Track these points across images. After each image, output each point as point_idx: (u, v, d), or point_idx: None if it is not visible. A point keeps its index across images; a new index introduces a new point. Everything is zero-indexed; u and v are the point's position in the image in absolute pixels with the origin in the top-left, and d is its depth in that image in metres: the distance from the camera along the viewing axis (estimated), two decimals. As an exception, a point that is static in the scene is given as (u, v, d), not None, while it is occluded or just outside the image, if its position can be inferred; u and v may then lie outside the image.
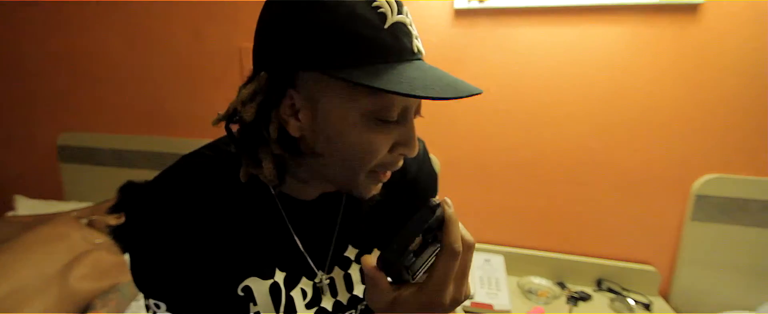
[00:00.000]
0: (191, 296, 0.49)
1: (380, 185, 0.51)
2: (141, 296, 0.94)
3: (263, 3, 0.46)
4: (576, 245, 1.36)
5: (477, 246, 1.39)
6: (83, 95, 1.69)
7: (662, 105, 1.20)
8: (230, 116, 0.47)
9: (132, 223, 0.49)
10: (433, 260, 0.41)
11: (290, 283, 0.55)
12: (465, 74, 1.31)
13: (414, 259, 0.40)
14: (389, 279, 0.42)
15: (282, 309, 0.54)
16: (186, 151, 0.54)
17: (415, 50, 0.43)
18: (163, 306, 0.49)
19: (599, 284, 1.32)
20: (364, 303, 0.62)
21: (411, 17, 0.44)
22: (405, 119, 0.45)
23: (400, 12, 0.42)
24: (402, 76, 0.40)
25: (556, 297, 1.25)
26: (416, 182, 0.65)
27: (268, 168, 0.46)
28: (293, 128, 0.45)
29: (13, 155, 1.81)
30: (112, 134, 1.69)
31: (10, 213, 1.57)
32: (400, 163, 0.49)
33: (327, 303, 0.58)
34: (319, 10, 0.39)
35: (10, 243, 1.17)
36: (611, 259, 1.33)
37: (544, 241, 1.39)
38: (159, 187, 0.50)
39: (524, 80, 1.28)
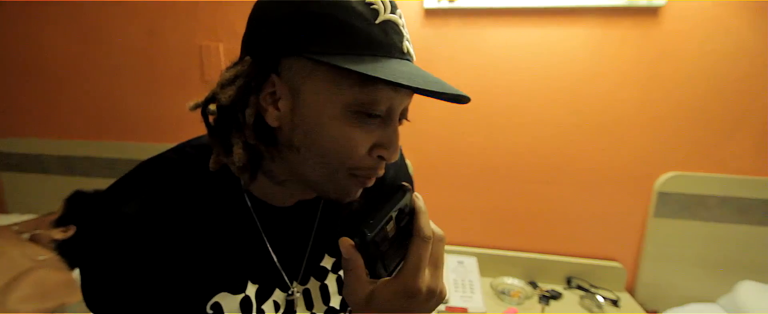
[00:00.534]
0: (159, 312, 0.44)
1: (360, 190, 0.48)
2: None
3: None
4: (546, 244, 1.38)
5: (450, 248, 1.39)
6: (26, 97, 1.55)
7: (625, 105, 1.23)
8: (208, 101, 0.45)
9: (84, 235, 0.44)
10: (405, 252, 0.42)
11: (262, 296, 0.52)
12: (436, 74, 1.30)
13: (388, 249, 0.41)
14: (367, 272, 0.41)
15: None
16: (142, 157, 0.49)
17: (405, 50, 0.42)
18: None
19: (569, 282, 1.34)
20: None
21: (404, 20, 0.43)
22: (389, 119, 0.43)
23: (393, 12, 0.41)
24: (388, 69, 0.38)
25: (528, 297, 1.25)
26: (394, 187, 0.63)
27: (238, 153, 0.43)
28: (271, 117, 0.43)
29: (-57, 164, 1.64)
30: (59, 139, 1.56)
31: (-60, 229, 1.42)
32: (382, 170, 0.46)
33: None
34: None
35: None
36: (580, 257, 1.35)
37: (516, 241, 1.39)
38: (117, 194, 0.44)
39: (493, 81, 1.28)
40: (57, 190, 1.39)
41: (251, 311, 0.50)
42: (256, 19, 0.43)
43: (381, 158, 0.44)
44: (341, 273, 0.58)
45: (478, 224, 1.41)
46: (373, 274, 0.41)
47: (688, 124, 1.21)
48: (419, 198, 0.43)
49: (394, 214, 0.41)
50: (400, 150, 0.66)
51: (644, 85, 1.21)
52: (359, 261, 0.40)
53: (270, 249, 0.52)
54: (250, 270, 0.51)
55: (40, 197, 1.59)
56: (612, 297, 1.25)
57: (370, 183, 0.47)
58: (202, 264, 0.46)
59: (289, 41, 0.40)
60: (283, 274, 0.54)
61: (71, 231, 1.25)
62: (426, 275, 0.40)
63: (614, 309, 1.22)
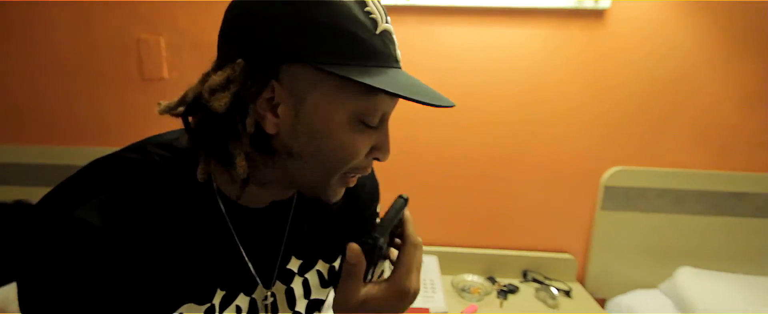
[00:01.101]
0: None
1: (343, 189, 0.49)
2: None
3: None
4: (503, 240, 1.41)
5: (411, 248, 1.38)
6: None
7: (573, 104, 1.29)
8: (189, 106, 0.42)
9: (25, 242, 0.38)
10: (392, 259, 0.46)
11: (226, 302, 0.50)
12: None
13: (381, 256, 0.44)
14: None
15: None
16: (72, 163, 0.44)
17: (398, 59, 0.44)
18: None
19: (525, 275, 1.38)
20: None
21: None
22: (382, 123, 0.45)
23: (387, 21, 0.42)
24: (391, 80, 0.40)
25: (487, 293, 1.27)
26: (362, 189, 0.64)
27: (241, 166, 0.41)
28: (269, 124, 0.41)
29: None
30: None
31: None
32: (370, 169, 0.49)
33: None
34: (318, 4, 0.37)
35: None
36: (535, 251, 1.40)
37: (475, 238, 1.41)
38: (67, 195, 0.39)
39: (448, 80, 1.29)
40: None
41: None
42: (250, 19, 0.39)
43: (376, 159, 0.47)
44: (308, 275, 0.58)
45: (438, 223, 1.41)
46: (363, 278, 0.44)
47: (630, 121, 1.28)
48: (407, 212, 0.48)
49: (397, 222, 0.45)
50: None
51: (591, 84, 1.27)
52: (363, 265, 0.42)
53: (244, 254, 0.50)
54: (219, 277, 0.48)
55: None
56: (565, 288, 1.30)
57: (353, 183, 0.48)
58: (168, 275, 0.42)
59: (295, 48, 0.38)
60: (257, 277, 0.52)
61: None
62: (414, 278, 0.44)
63: (567, 299, 1.27)
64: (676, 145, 1.29)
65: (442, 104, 0.43)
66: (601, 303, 1.36)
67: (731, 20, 1.19)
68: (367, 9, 0.40)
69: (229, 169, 0.42)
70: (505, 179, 1.36)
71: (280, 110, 0.40)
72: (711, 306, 1.10)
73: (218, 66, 0.41)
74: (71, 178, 0.42)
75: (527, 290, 1.32)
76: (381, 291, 0.43)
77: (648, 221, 1.32)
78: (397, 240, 0.48)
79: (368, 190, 0.67)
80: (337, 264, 0.62)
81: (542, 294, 1.27)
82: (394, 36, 0.43)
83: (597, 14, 1.21)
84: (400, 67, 0.44)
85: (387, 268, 0.50)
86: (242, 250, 0.50)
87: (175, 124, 0.55)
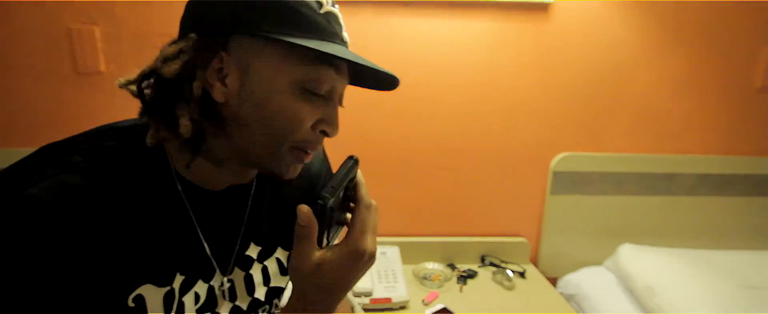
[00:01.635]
0: (74, 305, 0.40)
1: (300, 167, 0.50)
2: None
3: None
4: (461, 227, 1.45)
5: (373, 240, 1.39)
6: None
7: (522, 93, 1.34)
8: (144, 76, 0.45)
9: (11, 216, 0.37)
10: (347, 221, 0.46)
11: (185, 287, 0.50)
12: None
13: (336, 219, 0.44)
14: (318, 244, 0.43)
15: None
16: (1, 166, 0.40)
17: (345, 39, 0.47)
18: None
19: (483, 260, 1.43)
20: (266, 306, 0.60)
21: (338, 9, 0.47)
22: (331, 99, 0.47)
23: (333, 5, 0.45)
24: (334, 49, 0.42)
25: (447, 279, 1.31)
26: (318, 178, 0.67)
27: (185, 125, 0.42)
28: (218, 93, 0.43)
29: None
30: None
31: None
32: (320, 145, 0.50)
33: (224, 308, 0.54)
34: None
35: None
36: (491, 236, 1.45)
37: (434, 227, 1.44)
38: (17, 175, 0.40)
39: (403, 71, 1.27)
40: None
41: (173, 303, 0.48)
42: None
43: (323, 133, 0.48)
44: (267, 263, 0.59)
45: (397, 214, 1.43)
46: (318, 243, 0.43)
47: (575, 109, 1.35)
48: (358, 172, 0.47)
49: (350, 184, 0.44)
50: (324, 150, 0.72)
51: (538, 74, 1.32)
52: (315, 229, 0.41)
53: (202, 237, 0.51)
54: (179, 260, 0.49)
55: None
56: (519, 269, 1.36)
57: (308, 159, 0.49)
58: (125, 254, 0.43)
59: (241, 21, 0.42)
60: (215, 264, 0.53)
61: None
62: (369, 239, 0.43)
63: (522, 280, 1.34)
64: (616, 131, 1.38)
65: (384, 71, 0.45)
66: (553, 281, 1.44)
67: (663, 14, 1.28)
68: None
69: (175, 133, 0.43)
70: (461, 168, 1.39)
71: (228, 80, 0.43)
72: (649, 278, 1.20)
73: (175, 41, 0.44)
74: (22, 160, 0.42)
75: (485, 274, 1.37)
76: (335, 254, 0.42)
77: (593, 203, 1.41)
78: (352, 204, 0.47)
79: (325, 177, 0.68)
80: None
81: (499, 276, 1.33)
82: (341, 20, 0.47)
83: (542, 7, 1.26)
84: (347, 44, 0.47)
85: None
86: (200, 234, 0.51)
87: (118, 119, 0.52)
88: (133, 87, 0.45)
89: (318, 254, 0.42)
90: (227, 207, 0.54)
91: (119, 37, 1.18)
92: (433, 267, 1.38)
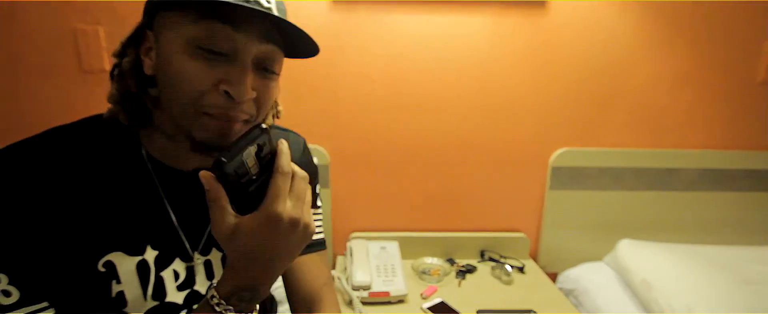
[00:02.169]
0: (38, 267, 0.45)
1: (228, 135, 0.48)
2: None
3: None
4: (460, 222, 1.46)
5: (373, 234, 1.41)
6: None
7: (520, 89, 1.34)
8: (114, 66, 0.52)
9: None
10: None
11: (161, 263, 0.53)
12: (346, 62, 1.29)
13: (255, 188, 0.43)
14: (234, 209, 0.43)
15: (150, 290, 0.52)
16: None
17: (254, 2, 0.46)
18: (3, 279, 0.43)
19: (482, 255, 1.44)
20: None
21: None
22: (235, 59, 0.46)
23: None
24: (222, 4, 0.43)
25: (446, 274, 1.32)
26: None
27: (111, 92, 0.50)
28: (147, 66, 0.49)
29: None
30: None
31: None
32: (235, 112, 0.47)
33: (201, 286, 0.57)
34: None
35: None
36: (491, 231, 1.46)
37: (433, 222, 1.46)
38: (5, 149, 0.47)
39: (401, 68, 1.31)
40: None
41: (149, 275, 0.52)
42: None
43: (228, 94, 0.46)
44: None
45: (398, 209, 1.44)
46: (241, 211, 0.43)
47: (573, 104, 1.36)
48: (284, 143, 0.45)
49: (253, 149, 0.43)
50: (304, 142, 0.74)
51: (536, 70, 1.32)
52: (221, 192, 0.42)
53: (172, 215, 0.54)
54: (149, 234, 0.52)
55: None
56: (518, 265, 1.37)
57: (235, 127, 0.48)
58: (95, 221, 0.48)
59: (158, 1, 0.47)
60: (185, 243, 0.55)
61: None
62: (287, 205, 0.43)
63: (521, 275, 1.34)
64: (614, 126, 1.38)
65: (258, 8, 0.43)
66: (552, 277, 1.45)
67: (662, 7, 1.27)
68: None
69: (115, 104, 0.50)
70: (461, 164, 1.40)
71: (152, 54, 0.48)
72: (649, 274, 1.20)
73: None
74: (23, 139, 0.49)
75: (484, 269, 1.38)
76: (250, 220, 0.42)
77: (592, 199, 1.41)
78: None
79: (296, 161, 0.69)
80: None
81: (497, 271, 1.33)
82: None
83: (540, 4, 1.26)
84: (253, 7, 0.44)
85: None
86: (171, 212, 0.54)
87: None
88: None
89: (235, 220, 0.42)
90: (197, 188, 0.54)
91: (122, 36, 1.20)
92: (432, 261, 1.39)
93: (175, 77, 0.45)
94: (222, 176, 0.41)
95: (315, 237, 0.75)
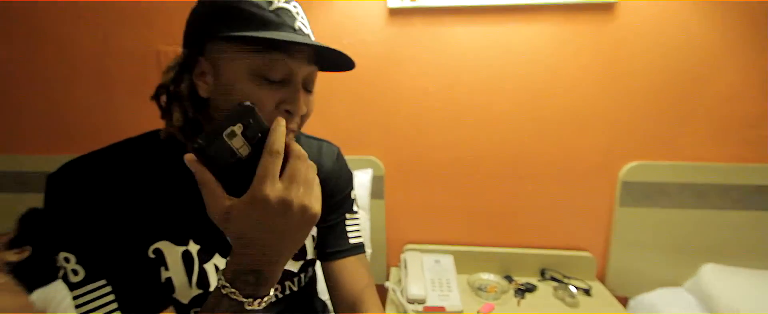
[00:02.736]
0: (101, 250, 0.52)
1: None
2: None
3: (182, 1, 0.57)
4: (519, 237, 1.40)
5: (426, 247, 1.40)
6: (-31, 112, 1.46)
7: (586, 99, 1.27)
8: (159, 89, 0.56)
9: (48, 184, 0.53)
10: None
11: (204, 256, 0.59)
12: (403, 74, 1.30)
13: (246, 169, 0.43)
14: (222, 190, 0.43)
15: (194, 279, 0.58)
16: None
17: (297, 28, 0.53)
18: (72, 259, 0.51)
19: (543, 274, 1.36)
20: (276, 285, 0.64)
21: (300, 10, 0.54)
22: (290, 82, 0.52)
23: (287, 2, 0.53)
24: (272, 35, 0.48)
25: (504, 292, 1.27)
26: (329, 179, 0.73)
27: (176, 117, 0.54)
28: (202, 90, 0.53)
29: None
30: (12, 154, 1.47)
31: None
32: (294, 125, 0.54)
33: None
34: None
35: None
36: (552, 249, 1.38)
37: (490, 236, 1.41)
38: (81, 157, 0.55)
39: (458, 79, 1.29)
40: (10, 209, 1.31)
41: (193, 266, 0.58)
42: (188, 20, 0.55)
43: (288, 112, 0.52)
44: None
45: (453, 221, 1.41)
46: (237, 193, 0.43)
47: (646, 115, 1.25)
48: (279, 122, 0.44)
49: (237, 129, 0.42)
50: (339, 151, 0.79)
51: (603, 78, 1.25)
52: (207, 175, 0.42)
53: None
54: (191, 229, 0.58)
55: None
56: (584, 286, 1.28)
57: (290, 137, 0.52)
58: (148, 213, 0.55)
59: (208, 29, 0.51)
60: (224, 239, 0.60)
61: (26, 253, 1.18)
62: (277, 186, 0.41)
63: (587, 298, 1.25)
64: (695, 138, 1.25)
65: (333, 50, 0.50)
66: (623, 301, 1.33)
67: (748, 7, 1.15)
68: None
69: (173, 125, 0.54)
70: (520, 176, 1.35)
71: (207, 78, 0.53)
72: (738, 304, 1.06)
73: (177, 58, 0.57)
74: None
75: (545, 289, 1.30)
76: (241, 201, 0.42)
77: (669, 217, 1.29)
78: None
79: (336, 177, 0.75)
80: None
81: (561, 292, 1.26)
82: (295, 13, 0.53)
83: (607, 7, 1.19)
84: (300, 34, 0.52)
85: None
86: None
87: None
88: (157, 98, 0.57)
89: (227, 203, 0.43)
90: None
91: (170, 63, 1.32)
92: (488, 277, 1.34)
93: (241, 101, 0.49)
94: (206, 159, 0.42)
95: (353, 241, 0.76)
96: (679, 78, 1.22)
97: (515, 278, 1.35)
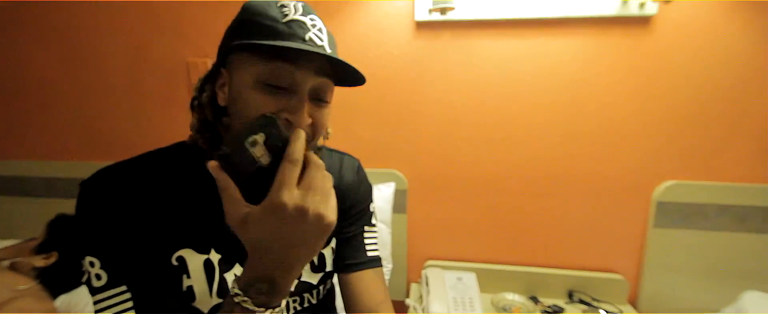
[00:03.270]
0: (125, 256, 0.53)
1: None
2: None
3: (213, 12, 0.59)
4: (546, 257, 1.35)
5: (449, 264, 1.36)
6: (5, 118, 1.50)
7: (620, 115, 1.22)
8: (193, 99, 0.60)
9: (81, 190, 0.54)
10: None
11: (225, 266, 0.60)
12: (429, 88, 1.29)
13: (266, 177, 0.44)
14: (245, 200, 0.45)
15: (215, 287, 0.59)
16: None
17: (307, 39, 0.52)
18: (97, 263, 0.52)
19: (570, 296, 1.31)
20: (296, 297, 0.67)
21: (319, 23, 0.54)
22: (294, 92, 0.52)
23: (303, 15, 0.53)
24: (279, 43, 0.49)
25: (529, 312, 1.22)
26: (349, 192, 0.74)
27: (192, 122, 0.58)
28: (221, 98, 0.56)
29: None
30: (42, 160, 1.51)
31: None
32: (292, 133, 0.50)
33: None
34: (243, 11, 0.55)
35: None
36: (580, 270, 1.33)
37: (515, 255, 1.36)
38: (113, 165, 0.57)
39: (487, 93, 1.26)
40: (39, 213, 1.34)
41: (214, 274, 0.59)
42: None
43: (288, 121, 0.51)
44: None
45: (476, 238, 1.38)
46: (255, 201, 0.44)
47: (684, 132, 1.20)
48: (299, 132, 0.46)
49: (259, 138, 0.44)
50: (359, 163, 0.79)
51: (639, 94, 1.20)
52: (228, 182, 0.44)
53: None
54: (213, 238, 0.59)
55: (21, 221, 1.53)
56: (615, 310, 1.22)
57: None
58: (172, 221, 0.56)
59: (229, 41, 0.54)
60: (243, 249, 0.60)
61: (54, 258, 1.20)
62: (294, 193, 0.42)
63: (618, 323, 1.19)
64: (737, 157, 1.19)
65: (342, 62, 0.50)
66: (656, 327, 1.27)
67: (797, 22, 1.09)
68: (282, 7, 0.53)
69: (194, 130, 0.58)
70: (549, 194, 1.31)
71: (225, 88, 0.55)
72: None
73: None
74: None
75: (573, 312, 1.25)
76: (258, 208, 0.43)
77: (707, 240, 1.22)
78: None
79: (355, 189, 0.75)
80: (325, 250, 0.70)
81: (590, 316, 1.20)
82: (311, 24, 0.53)
83: (643, 21, 1.15)
84: (310, 45, 0.52)
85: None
86: None
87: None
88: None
89: (246, 210, 0.44)
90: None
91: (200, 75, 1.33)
92: (513, 298, 1.30)
93: (245, 108, 0.51)
94: (228, 166, 0.43)
95: (370, 253, 0.76)
96: (719, 94, 1.16)
97: (541, 299, 1.30)
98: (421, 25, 1.24)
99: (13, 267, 1.15)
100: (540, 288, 1.32)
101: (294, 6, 0.53)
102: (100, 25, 1.38)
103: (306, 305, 0.69)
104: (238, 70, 0.53)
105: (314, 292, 0.69)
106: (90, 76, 1.43)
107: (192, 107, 0.59)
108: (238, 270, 0.61)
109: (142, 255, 0.54)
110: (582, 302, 1.27)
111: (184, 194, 0.57)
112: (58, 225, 1.26)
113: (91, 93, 1.44)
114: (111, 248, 0.53)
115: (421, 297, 1.29)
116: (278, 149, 0.45)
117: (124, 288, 0.53)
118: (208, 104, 0.57)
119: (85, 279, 0.53)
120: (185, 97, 1.38)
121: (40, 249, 1.22)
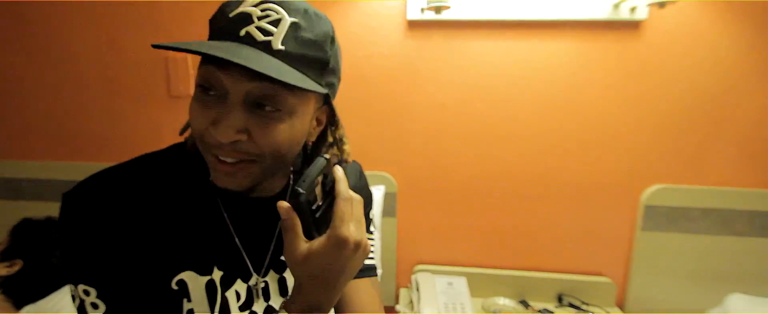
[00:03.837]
0: (124, 283, 0.48)
1: (235, 177, 0.47)
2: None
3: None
4: (536, 261, 1.34)
5: (439, 268, 1.34)
6: (-35, 115, 1.40)
7: (609, 118, 1.23)
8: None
9: (65, 205, 0.48)
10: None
11: (226, 283, 0.56)
12: (420, 89, 1.26)
13: (319, 214, 0.47)
14: (305, 239, 0.46)
15: (217, 309, 0.55)
16: None
17: (243, 34, 0.43)
18: (92, 292, 0.47)
19: (560, 299, 1.30)
20: None
21: (276, 12, 0.44)
22: (225, 98, 0.44)
23: (258, 5, 0.44)
24: (202, 45, 0.41)
25: (520, 317, 1.21)
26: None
27: (185, 126, 0.53)
28: None
29: None
30: (5, 160, 1.41)
31: None
32: (221, 150, 0.46)
33: (259, 306, 0.59)
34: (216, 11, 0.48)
35: None
36: (570, 273, 1.32)
37: (505, 259, 1.35)
38: (100, 174, 0.51)
39: (477, 95, 1.25)
40: (1, 217, 1.25)
41: (216, 295, 0.55)
42: None
43: (211, 133, 0.45)
44: None
45: (466, 242, 1.36)
46: (309, 236, 0.46)
47: (672, 136, 1.21)
48: (339, 169, 0.50)
49: (320, 178, 0.47)
50: (360, 168, 0.75)
51: (627, 98, 1.21)
52: (296, 220, 0.45)
53: (236, 238, 0.57)
54: (216, 256, 0.55)
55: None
56: (603, 313, 1.22)
57: (240, 168, 0.47)
58: (171, 242, 0.51)
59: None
60: (249, 264, 0.58)
61: (18, 266, 1.11)
62: (352, 227, 0.45)
63: (607, 326, 1.20)
64: (722, 162, 1.21)
65: (233, 60, 0.39)
66: (643, 330, 1.28)
67: (780, 29, 1.12)
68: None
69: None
70: (538, 197, 1.30)
71: None
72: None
73: None
74: (111, 167, 0.52)
75: (563, 315, 1.25)
76: (320, 244, 0.45)
77: (693, 243, 1.24)
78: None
79: (352, 187, 0.69)
80: None
81: (579, 319, 1.20)
82: (257, 15, 0.44)
83: (632, 25, 1.16)
84: (246, 42, 0.43)
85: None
86: (234, 233, 0.56)
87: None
88: None
89: (306, 245, 0.46)
90: (260, 214, 0.58)
91: None
92: (504, 302, 1.28)
93: (190, 117, 0.48)
94: (297, 205, 0.45)
95: (367, 262, 0.73)
96: (706, 100, 1.18)
97: (531, 303, 1.29)
98: (413, 25, 1.22)
99: (-29, 277, 1.06)
100: (530, 291, 1.32)
101: None
102: (71, 18, 1.29)
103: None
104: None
105: None
106: (59, 74, 1.34)
107: None
108: (238, 286, 0.57)
109: (142, 281, 0.49)
110: (572, 305, 1.27)
111: (184, 208, 0.52)
112: (22, 230, 1.17)
113: (62, 90, 1.35)
114: (107, 274, 0.47)
115: (411, 302, 1.26)
116: (327, 185, 0.50)
117: None
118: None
119: (77, 304, 0.48)
120: (163, 94, 1.31)
121: (3, 257, 1.13)
